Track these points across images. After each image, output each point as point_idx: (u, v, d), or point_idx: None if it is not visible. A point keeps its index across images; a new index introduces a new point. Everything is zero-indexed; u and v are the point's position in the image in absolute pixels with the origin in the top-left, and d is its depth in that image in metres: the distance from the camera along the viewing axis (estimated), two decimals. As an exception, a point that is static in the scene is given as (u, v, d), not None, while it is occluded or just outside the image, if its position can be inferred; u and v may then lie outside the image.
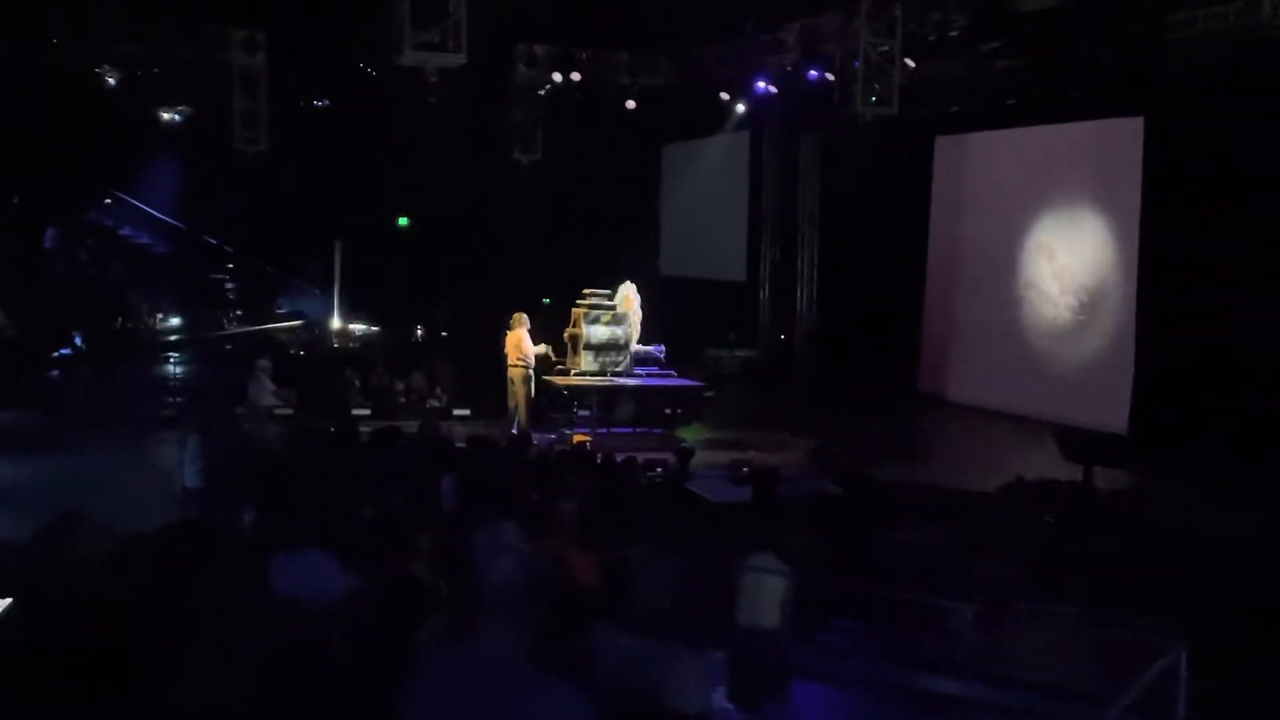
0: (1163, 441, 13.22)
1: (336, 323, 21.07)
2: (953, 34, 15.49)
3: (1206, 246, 13.58)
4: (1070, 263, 16.57)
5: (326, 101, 20.49)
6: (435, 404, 16.09)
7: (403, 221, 22.89)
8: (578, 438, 13.62)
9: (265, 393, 14.39)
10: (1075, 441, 11.84)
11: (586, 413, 14.56)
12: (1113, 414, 14.85)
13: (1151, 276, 14.93)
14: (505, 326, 14.69)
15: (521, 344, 14.43)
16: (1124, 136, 15.37)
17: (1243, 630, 5.90)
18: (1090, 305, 16.24)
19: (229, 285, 22.68)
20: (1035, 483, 10.88)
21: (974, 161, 18.56)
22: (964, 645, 4.81)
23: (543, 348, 14.58)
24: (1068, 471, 11.25)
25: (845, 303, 19.84)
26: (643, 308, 15.32)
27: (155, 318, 20.71)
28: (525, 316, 14.64)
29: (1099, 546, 8.25)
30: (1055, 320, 16.83)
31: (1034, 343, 17.17)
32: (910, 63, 15.71)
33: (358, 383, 16.65)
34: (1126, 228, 15.41)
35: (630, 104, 19.46)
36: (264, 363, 14.93)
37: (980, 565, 6.33)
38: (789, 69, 17.73)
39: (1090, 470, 11.16)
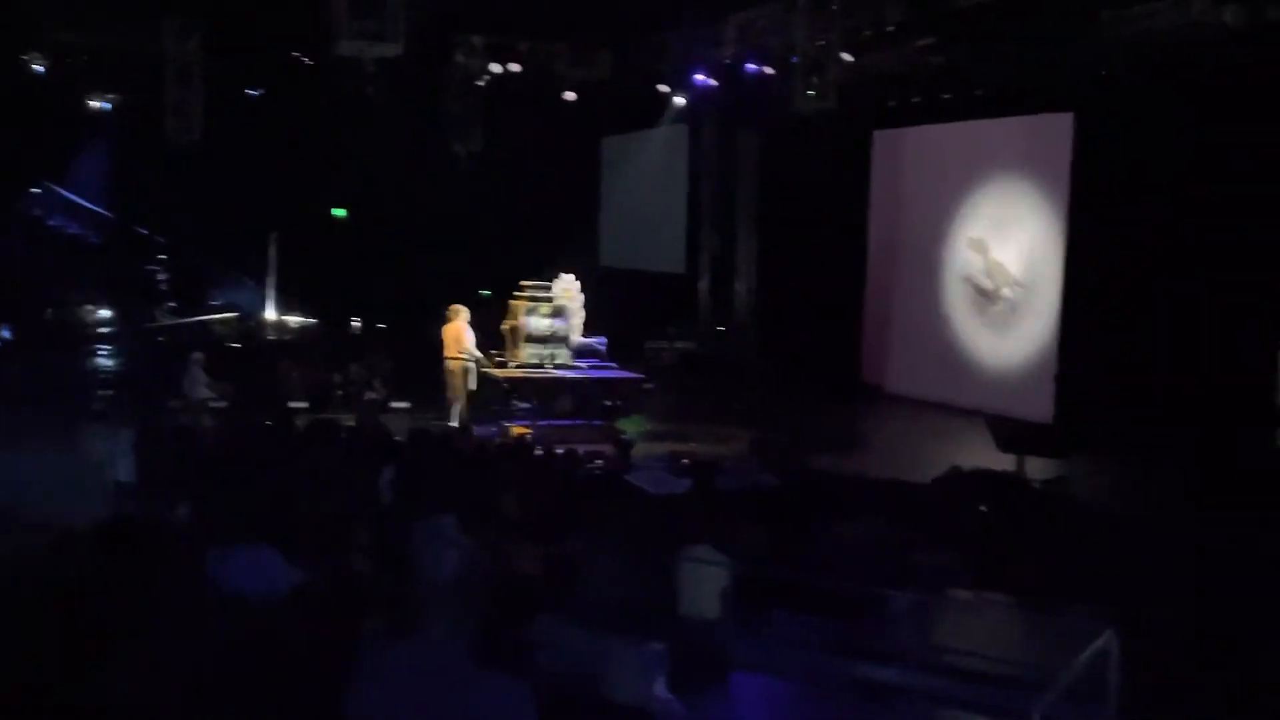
0: (1085, 430, 13.48)
1: (272, 315, 20.81)
2: (889, 29, 15.63)
3: (1131, 241, 13.89)
4: (1003, 256, 16.82)
5: (260, 91, 20.20)
6: (373, 396, 15.95)
7: (339, 213, 22.65)
8: (517, 430, 13.58)
9: (199, 385, 14.18)
10: (1007, 432, 12.04)
11: (526, 405, 14.52)
12: (1041, 404, 15.16)
13: (1077, 269, 15.22)
14: (443, 319, 14.59)
15: (461, 336, 14.35)
16: (1054, 132, 15.63)
17: (1173, 615, 6.03)
18: (1022, 298, 16.50)
19: (161, 277, 22.28)
20: (970, 473, 11.02)
21: (911, 156, 18.76)
22: (903, 634, 4.87)
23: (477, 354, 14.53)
24: (1001, 461, 11.43)
25: (785, 295, 19.97)
26: (584, 300, 15.31)
27: (85, 309, 20.31)
28: (464, 309, 14.56)
29: (1031, 535, 8.38)
30: (989, 313, 17.08)
31: (969, 335, 17.42)
32: (848, 57, 15.83)
33: (294, 375, 16.45)
34: (1057, 222, 15.68)
35: (569, 96, 19.41)
36: (198, 355, 14.72)
37: (918, 555, 6.41)
38: (727, 62, 17.79)
39: (1023, 460, 11.36)
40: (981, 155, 17.21)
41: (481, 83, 19.12)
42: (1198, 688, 5.43)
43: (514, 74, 18.87)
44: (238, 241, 21.84)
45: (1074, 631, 4.57)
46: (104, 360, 17.96)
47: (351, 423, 11.33)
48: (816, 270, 19.09)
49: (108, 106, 18.83)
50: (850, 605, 5.07)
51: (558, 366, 14.71)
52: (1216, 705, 5.42)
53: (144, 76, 17.45)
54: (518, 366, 14.62)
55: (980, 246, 17.16)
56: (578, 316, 15.23)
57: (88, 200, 21.90)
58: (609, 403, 15.00)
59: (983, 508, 9.42)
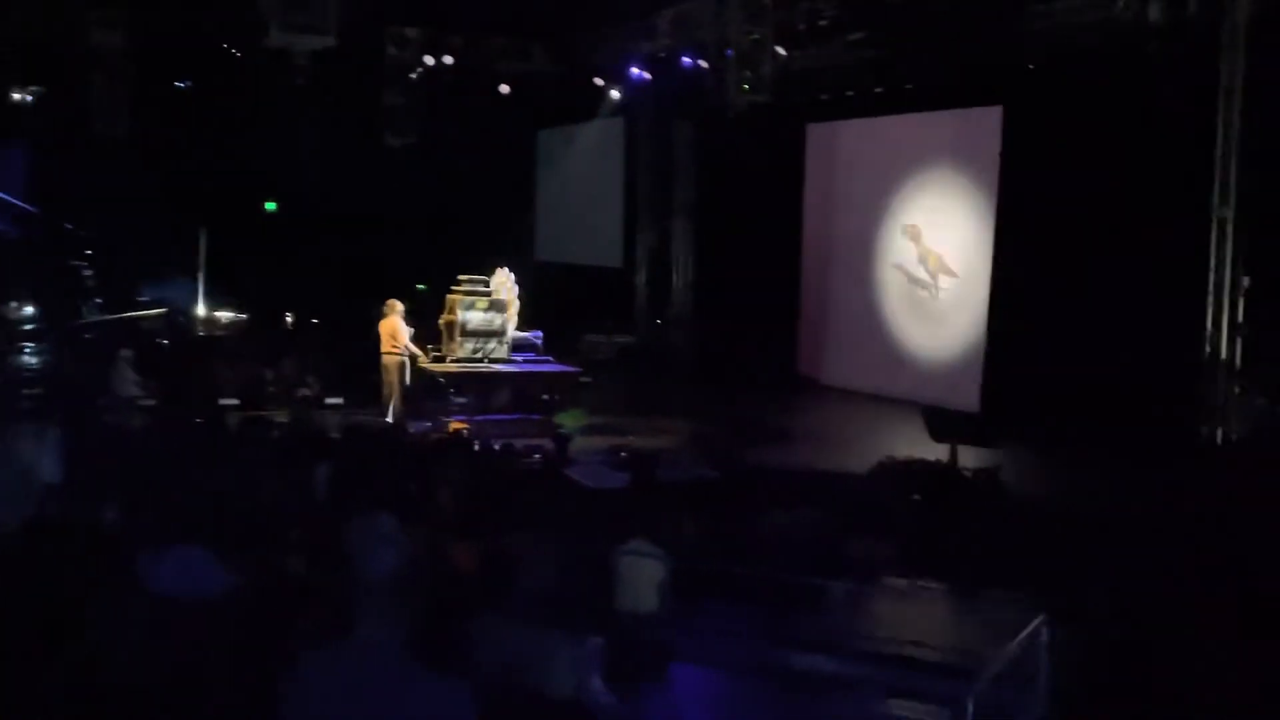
0: (1012, 419, 13.70)
1: (202, 310, 20.49)
2: (822, 23, 15.75)
3: (1058, 233, 14.14)
4: (936, 247, 17.02)
5: (189, 83, 19.88)
6: (306, 393, 15.78)
7: (271, 206, 22.36)
8: (455, 425, 13.51)
9: (128, 383, 13.95)
10: (939, 421, 12.19)
11: (463, 400, 14.45)
12: (973, 394, 15.39)
13: (1006, 260, 15.45)
14: (379, 313, 14.49)
15: (396, 331, 14.26)
16: (984, 125, 15.84)
17: (1100, 601, 6.16)
18: (955, 289, 16.71)
19: (88, 272, 21.85)
20: (903, 462, 11.16)
21: (845, 149, 18.89)
22: (838, 623, 4.93)
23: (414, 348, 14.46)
24: (934, 451, 11.58)
25: (722, 288, 20.05)
26: (520, 294, 15.26)
27: (10, 307, 19.84)
28: (399, 303, 14.47)
29: (963, 523, 8.52)
30: (923, 304, 17.28)
31: (903, 326, 17.60)
32: (781, 51, 15.91)
33: (225, 372, 16.22)
34: (987, 214, 15.89)
35: (504, 89, 19.33)
36: (126, 352, 14.47)
37: (852, 545, 6.48)
38: (662, 56, 17.81)
39: (955, 449, 11.51)
40: (914, 149, 17.39)
41: (415, 75, 18.97)
42: (1126, 673, 5.56)
43: (448, 66, 18.75)
44: (167, 236, 21.48)
45: (1006, 618, 4.65)
46: (29, 358, 17.57)
47: (285, 420, 11.21)
48: (753, 263, 19.17)
49: (30, 99, 18.40)
50: (787, 596, 5.12)
51: (495, 361, 14.65)
52: (1144, 689, 5.55)
53: (69, 68, 17.08)
54: (454, 361, 14.54)
55: (914, 234, 17.35)
56: (513, 310, 15.19)
57: (12, 195, 21.40)
58: (547, 397, 14.97)
59: (916, 497, 9.56)
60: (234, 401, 14.72)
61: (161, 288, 21.41)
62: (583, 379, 16.01)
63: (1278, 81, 12.16)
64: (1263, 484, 11.44)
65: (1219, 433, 12.97)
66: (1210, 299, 12.98)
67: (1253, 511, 10.23)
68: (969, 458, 11.46)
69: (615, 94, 19.63)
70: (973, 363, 15.92)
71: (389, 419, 13.74)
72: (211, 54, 18.20)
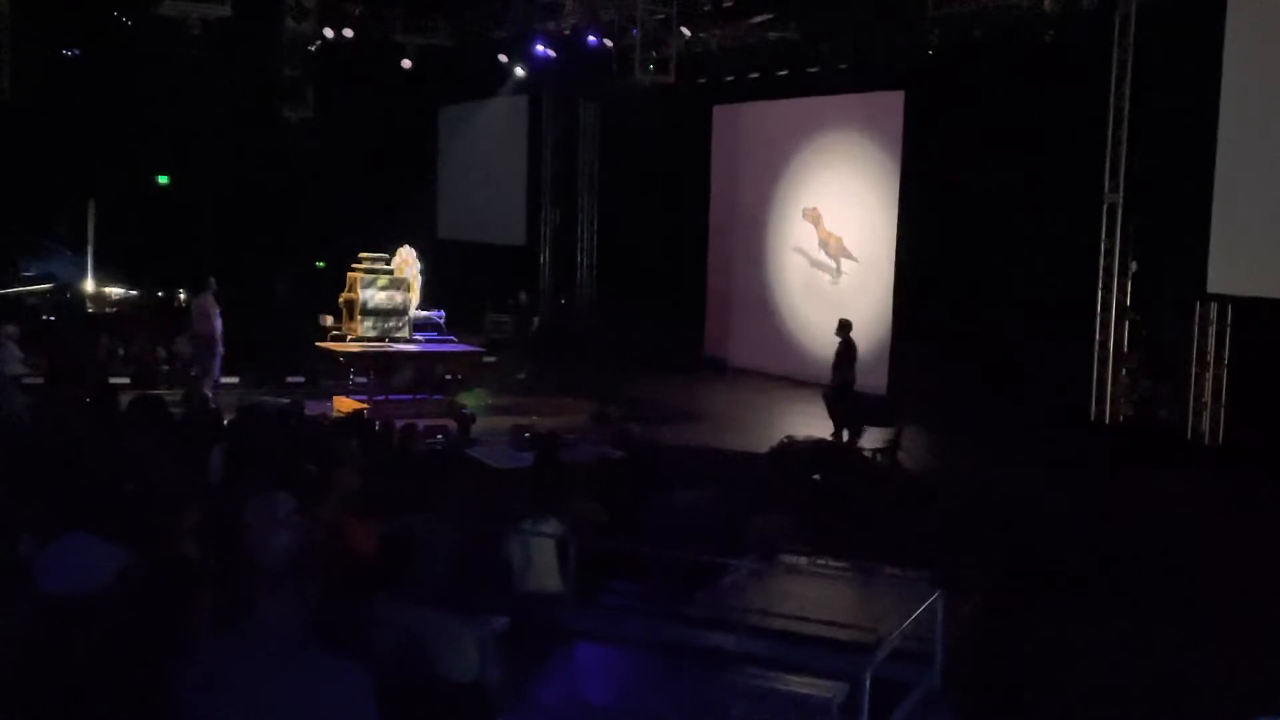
0: (918, 400, 13.96)
1: (90, 286, 19.92)
2: (727, 4, 15.81)
3: (958, 216, 14.42)
4: (836, 230, 17.21)
5: (77, 51, 19.24)
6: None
7: (162, 180, 21.79)
8: (350, 405, 13.33)
9: (13, 361, 13.51)
10: (840, 403, 12.37)
11: (364, 380, 14.28)
12: (877, 375, 15.61)
13: (908, 244, 15.71)
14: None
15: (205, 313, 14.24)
16: (886, 109, 16.05)
17: (994, 576, 6.31)
18: (856, 272, 16.94)
19: (-31, 246, 21.11)
20: (804, 442, 11.30)
21: (749, 131, 18.98)
22: (739, 601, 4.97)
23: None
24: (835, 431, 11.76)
25: (627, 268, 20.06)
26: (421, 272, 15.11)
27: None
28: (212, 280, 14.40)
29: (861, 500, 8.67)
30: (824, 287, 17.47)
31: (805, 309, 17.77)
32: (686, 31, 15.93)
33: (120, 351, 15.81)
34: (889, 198, 16.12)
35: (406, 63, 19.05)
36: (10, 329, 14.02)
37: (753, 523, 6.54)
38: (567, 33, 17.71)
39: (856, 430, 11.71)
40: (817, 131, 17.52)
41: (313, 48, 18.58)
42: (1021, 647, 5.71)
43: (348, 39, 18.41)
44: (53, 209, 20.83)
45: (903, 593, 4.73)
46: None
47: (177, 399, 10.95)
48: (658, 244, 19.21)
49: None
50: (689, 574, 5.15)
51: (396, 340, 14.47)
52: (1039, 664, 5.71)
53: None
54: (355, 340, 14.34)
55: (814, 217, 17.52)
56: (415, 289, 15.02)
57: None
58: (449, 376, 14.85)
59: (815, 475, 9.69)
60: (124, 380, 14.36)
61: (48, 262, 20.77)
62: (486, 358, 15.91)
63: (1166, 71, 12.56)
64: (1149, 460, 11.88)
65: (1107, 412, 13.41)
66: (1100, 282, 13.39)
67: (1139, 487, 10.61)
68: (868, 437, 11.66)
69: (519, 71, 19.48)
70: (876, 345, 16.12)
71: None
72: (102, 22, 17.63)
